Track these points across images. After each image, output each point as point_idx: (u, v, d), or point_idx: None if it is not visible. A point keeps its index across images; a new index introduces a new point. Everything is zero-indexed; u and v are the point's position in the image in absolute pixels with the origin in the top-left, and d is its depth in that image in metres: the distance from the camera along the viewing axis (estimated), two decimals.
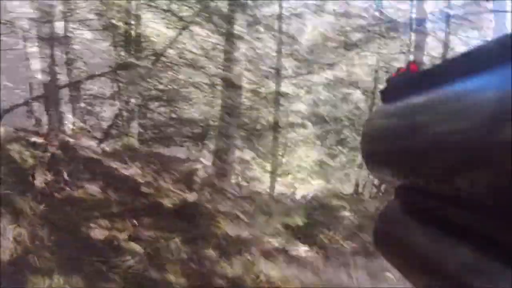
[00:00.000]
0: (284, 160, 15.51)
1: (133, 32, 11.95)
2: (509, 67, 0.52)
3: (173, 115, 14.60)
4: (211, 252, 4.73)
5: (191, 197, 5.80)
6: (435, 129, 0.71)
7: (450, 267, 0.67)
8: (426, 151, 0.73)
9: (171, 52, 12.75)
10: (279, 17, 5.13)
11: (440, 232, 0.75)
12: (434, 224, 0.78)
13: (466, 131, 0.60)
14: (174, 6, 11.85)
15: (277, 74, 5.01)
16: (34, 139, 7.42)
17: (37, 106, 10.93)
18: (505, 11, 9.81)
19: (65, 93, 13.15)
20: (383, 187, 9.65)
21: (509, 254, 0.54)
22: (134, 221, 5.19)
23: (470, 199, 0.64)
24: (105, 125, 14.96)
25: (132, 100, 10.90)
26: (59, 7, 12.76)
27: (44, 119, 9.66)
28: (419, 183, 0.85)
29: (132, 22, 11.28)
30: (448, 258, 0.69)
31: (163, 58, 12.74)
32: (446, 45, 10.72)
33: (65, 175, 5.73)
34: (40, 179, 5.50)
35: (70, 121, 13.32)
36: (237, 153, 11.05)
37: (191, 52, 12.75)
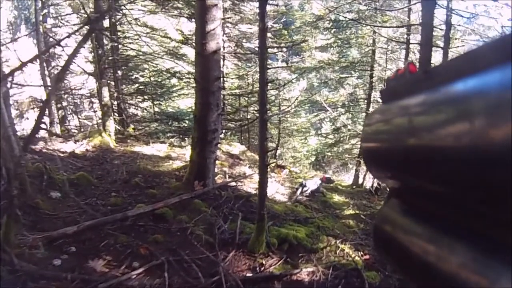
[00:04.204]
0: (278, 152, 14.64)
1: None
2: (509, 67, 0.54)
3: (157, 109, 13.76)
4: None
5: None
6: (435, 129, 0.72)
7: (449, 266, 0.69)
8: (426, 152, 0.76)
9: (153, 42, 11.96)
10: None
11: (439, 232, 0.77)
12: (433, 224, 0.81)
13: (466, 131, 0.61)
14: None
15: (263, 60, 3.86)
16: None
17: None
18: None
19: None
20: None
21: (509, 254, 0.57)
22: None
23: (469, 199, 0.67)
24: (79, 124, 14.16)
25: (105, 95, 9.76)
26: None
27: None
28: (418, 183, 0.87)
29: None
30: (447, 258, 0.71)
31: (144, 49, 11.94)
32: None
33: None
34: None
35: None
36: (225, 147, 10.10)
37: (171, 39, 11.87)
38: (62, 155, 7.36)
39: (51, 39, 12.71)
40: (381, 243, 1.12)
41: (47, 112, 13.00)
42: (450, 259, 0.69)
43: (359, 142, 12.79)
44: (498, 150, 0.53)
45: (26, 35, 16.28)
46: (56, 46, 12.34)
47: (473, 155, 0.59)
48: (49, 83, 12.46)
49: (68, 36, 3.81)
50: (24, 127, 13.63)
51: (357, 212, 7.25)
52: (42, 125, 4.04)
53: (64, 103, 14.89)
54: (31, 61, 4.01)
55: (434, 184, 0.78)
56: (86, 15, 7.95)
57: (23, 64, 4.11)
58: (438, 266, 0.72)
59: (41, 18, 12.81)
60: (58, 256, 3.75)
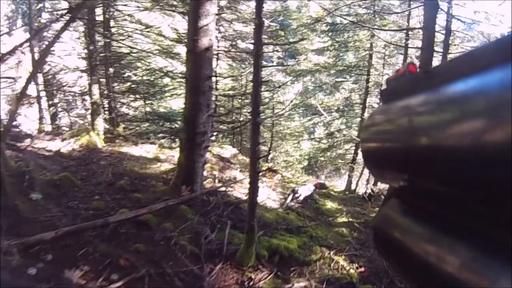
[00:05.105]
0: (270, 155, 14.45)
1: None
2: (509, 67, 0.54)
3: (148, 109, 13.49)
4: None
5: None
6: (435, 129, 0.72)
7: (449, 266, 0.69)
8: (426, 152, 0.76)
9: (147, 40, 11.72)
10: None
11: (439, 232, 0.77)
12: (433, 224, 0.81)
13: (466, 131, 0.62)
14: None
15: (257, 57, 3.62)
16: None
17: None
18: None
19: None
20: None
21: (509, 254, 0.56)
22: None
23: (470, 199, 0.67)
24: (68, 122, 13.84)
25: (95, 92, 9.50)
26: None
27: None
28: (419, 183, 0.87)
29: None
30: (447, 258, 0.71)
31: (137, 46, 11.69)
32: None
33: None
34: None
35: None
36: (216, 149, 9.85)
37: (165, 37, 11.62)
38: (47, 153, 7.07)
39: (44, 34, 12.43)
40: (381, 244, 1.13)
41: (37, 108, 12.75)
42: (450, 259, 0.70)
43: (353, 147, 12.68)
44: (498, 150, 0.53)
45: (20, 28, 16.02)
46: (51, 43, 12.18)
47: (474, 155, 0.59)
48: (40, 79, 12.18)
49: (49, 26, 3.60)
50: (17, 122, 13.34)
51: (350, 219, 7.07)
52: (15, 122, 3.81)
53: (56, 100, 14.59)
54: (9, 53, 3.79)
55: (434, 184, 0.79)
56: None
57: (3, 56, 3.89)
58: (438, 266, 0.72)
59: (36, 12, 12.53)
60: (34, 264, 3.48)
